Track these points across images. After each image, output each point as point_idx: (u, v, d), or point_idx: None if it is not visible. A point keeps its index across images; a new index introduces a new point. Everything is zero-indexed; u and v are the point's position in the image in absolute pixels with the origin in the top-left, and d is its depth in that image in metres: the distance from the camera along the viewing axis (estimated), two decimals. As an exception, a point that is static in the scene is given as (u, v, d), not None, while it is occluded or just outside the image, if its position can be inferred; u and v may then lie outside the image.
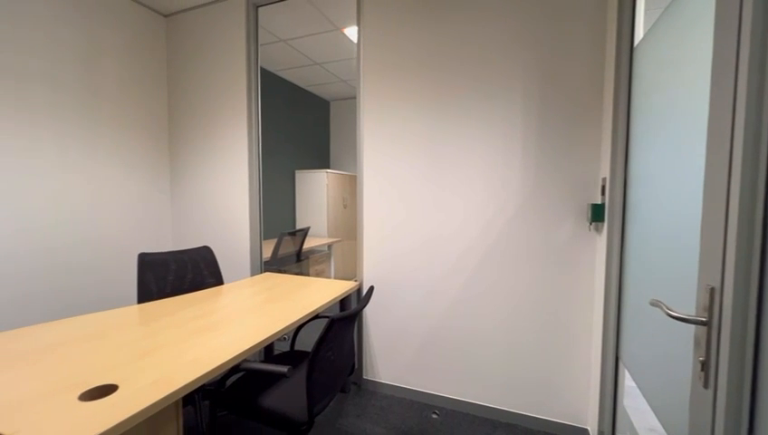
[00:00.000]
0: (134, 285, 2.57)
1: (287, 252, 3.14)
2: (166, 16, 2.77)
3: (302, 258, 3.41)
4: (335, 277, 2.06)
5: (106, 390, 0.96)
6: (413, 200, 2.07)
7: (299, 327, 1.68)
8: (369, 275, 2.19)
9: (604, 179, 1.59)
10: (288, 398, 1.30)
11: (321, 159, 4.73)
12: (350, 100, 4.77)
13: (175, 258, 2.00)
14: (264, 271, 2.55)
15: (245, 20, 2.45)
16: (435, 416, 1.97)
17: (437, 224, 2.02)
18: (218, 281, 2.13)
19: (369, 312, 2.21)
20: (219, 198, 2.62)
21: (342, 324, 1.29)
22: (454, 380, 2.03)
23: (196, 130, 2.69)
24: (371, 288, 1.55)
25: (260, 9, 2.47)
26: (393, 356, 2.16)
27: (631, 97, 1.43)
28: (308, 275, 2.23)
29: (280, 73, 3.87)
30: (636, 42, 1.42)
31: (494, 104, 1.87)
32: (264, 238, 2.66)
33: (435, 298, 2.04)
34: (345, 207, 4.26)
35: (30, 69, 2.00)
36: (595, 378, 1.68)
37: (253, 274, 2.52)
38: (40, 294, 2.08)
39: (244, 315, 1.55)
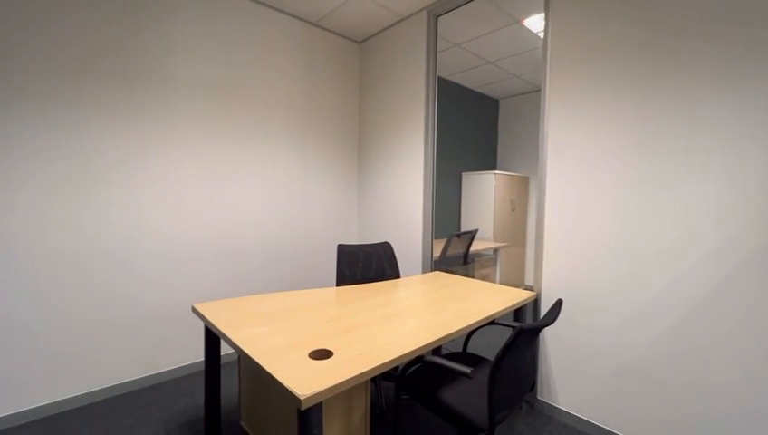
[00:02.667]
0: (329, 269, 3.12)
1: (454, 253, 3.18)
2: (359, 43, 3.23)
3: (469, 261, 3.39)
4: (500, 283, 1.94)
5: (325, 353, 1.17)
6: (610, 204, 1.74)
7: (473, 331, 1.65)
8: (550, 286, 1.97)
9: None
10: (468, 400, 1.30)
11: (488, 161, 4.59)
12: (523, 96, 4.46)
13: (363, 251, 2.30)
14: (434, 270, 2.65)
15: (426, 32, 2.61)
16: (634, 469, 1.60)
17: (646, 233, 1.64)
18: (396, 274, 2.34)
19: (549, 327, 1.99)
20: (397, 199, 2.88)
21: (529, 336, 1.19)
22: (667, 432, 1.60)
23: (379, 139, 3.04)
24: (560, 302, 1.38)
25: (439, 19, 2.58)
26: (577, 382, 1.88)
27: None
28: (473, 278, 2.19)
29: (451, 78, 3.96)
30: None
31: (745, 74, 1.37)
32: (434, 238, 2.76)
33: (640, 324, 1.66)
34: (513, 210, 4.01)
35: (272, 98, 2.69)
36: None
37: (423, 271, 2.66)
38: (273, 269, 2.76)
39: (423, 310, 1.64)
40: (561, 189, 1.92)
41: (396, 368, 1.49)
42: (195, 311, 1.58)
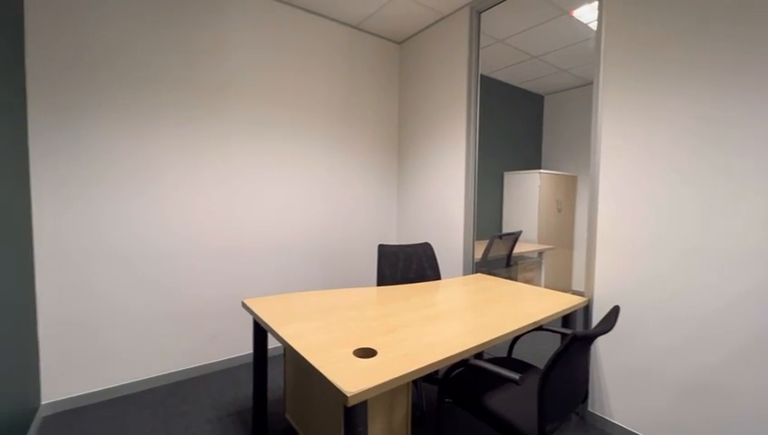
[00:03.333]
0: (369, 269, 3.15)
1: (496, 255, 3.09)
2: (399, 43, 3.24)
3: (512, 263, 3.28)
4: (545, 288, 1.84)
5: (369, 352, 1.18)
6: (671, 206, 1.60)
7: (518, 336, 1.59)
8: (603, 291, 1.85)
9: None
10: (516, 408, 1.25)
11: (532, 159, 4.41)
12: (570, 90, 4.24)
13: (403, 251, 2.30)
14: (475, 272, 2.59)
15: (468, 29, 2.56)
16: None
17: (715, 236, 1.48)
18: (436, 275, 2.31)
19: (603, 335, 1.87)
20: (437, 199, 2.85)
21: (582, 344, 1.13)
22: (740, 457, 1.44)
23: (419, 138, 3.03)
24: (617, 309, 1.30)
25: (482, 14, 2.52)
26: (633, 396, 1.75)
27: None
28: (516, 281, 2.11)
29: (492, 75, 3.85)
30: None
31: None
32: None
33: (708, 339, 1.51)
34: (560, 210, 3.81)
35: (315, 100, 2.76)
36: None
37: (465, 273, 2.60)
38: (315, 267, 2.83)
39: (466, 312, 1.60)
40: (616, 189, 1.80)
41: (436, 370, 1.48)
42: (244, 306, 1.66)
